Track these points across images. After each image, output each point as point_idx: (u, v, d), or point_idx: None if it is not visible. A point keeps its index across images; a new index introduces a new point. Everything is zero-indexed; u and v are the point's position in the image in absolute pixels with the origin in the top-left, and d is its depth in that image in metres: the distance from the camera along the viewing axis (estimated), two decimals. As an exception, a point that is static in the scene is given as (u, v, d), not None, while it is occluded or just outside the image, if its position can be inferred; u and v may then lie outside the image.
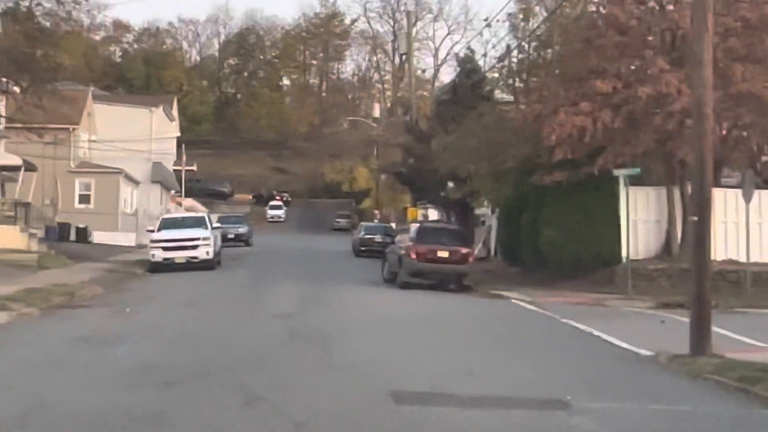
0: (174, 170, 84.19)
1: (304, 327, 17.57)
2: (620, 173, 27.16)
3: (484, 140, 37.53)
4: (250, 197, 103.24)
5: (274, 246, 54.00)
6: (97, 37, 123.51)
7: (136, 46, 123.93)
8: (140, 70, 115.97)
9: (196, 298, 24.28)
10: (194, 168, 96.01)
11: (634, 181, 28.17)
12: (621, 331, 18.17)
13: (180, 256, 33.92)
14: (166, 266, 33.76)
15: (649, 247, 29.81)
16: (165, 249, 33.99)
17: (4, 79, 39.60)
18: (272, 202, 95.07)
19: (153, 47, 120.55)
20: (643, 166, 28.13)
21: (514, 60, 39.18)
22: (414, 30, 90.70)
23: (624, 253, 28.51)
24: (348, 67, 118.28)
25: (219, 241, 38.10)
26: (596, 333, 18.25)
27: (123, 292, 25.94)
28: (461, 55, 48.46)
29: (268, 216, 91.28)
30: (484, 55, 51.64)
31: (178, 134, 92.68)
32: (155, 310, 21.02)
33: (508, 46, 39.21)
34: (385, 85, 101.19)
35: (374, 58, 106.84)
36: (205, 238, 34.38)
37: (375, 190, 76.84)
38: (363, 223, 51.13)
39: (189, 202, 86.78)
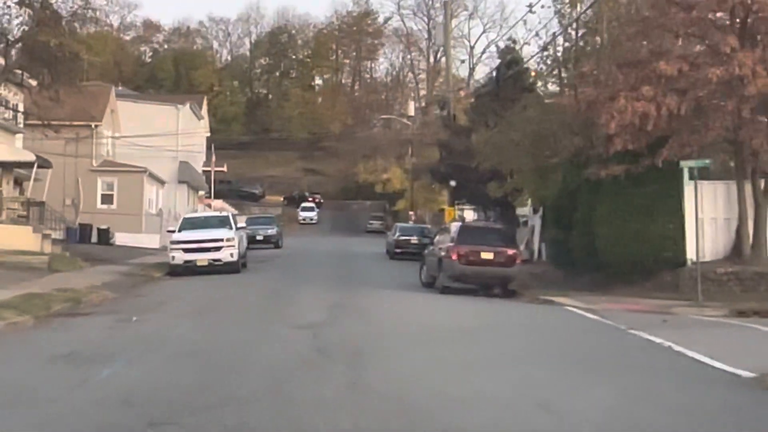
0: (203, 171, 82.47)
1: (333, 341, 14.93)
2: (687, 165, 24.24)
3: (528, 134, 34.97)
4: (282, 199, 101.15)
5: (305, 248, 51.60)
6: (127, 38, 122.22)
7: (166, 46, 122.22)
8: (170, 70, 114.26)
9: (214, 304, 21.77)
10: (224, 169, 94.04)
11: (699, 174, 25.27)
12: (703, 345, 15.37)
13: (202, 258, 31.48)
14: (187, 269, 31.35)
15: (716, 248, 26.85)
16: (186, 251, 31.56)
17: (19, 71, 37.44)
18: (304, 204, 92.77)
19: (183, 47, 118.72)
20: (710, 157, 25.22)
21: (560, 48, 36.34)
22: (451, 23, 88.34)
23: (689, 255, 25.62)
24: (381, 66, 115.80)
25: (245, 242, 35.66)
26: (676, 348, 15.45)
27: (135, 298, 23.50)
28: (501, 46, 45.73)
29: (299, 218, 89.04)
30: (526, 43, 48.74)
31: (208, 134, 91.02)
32: (164, 319, 18.50)
33: (554, 34, 36.41)
34: (420, 84, 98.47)
35: (408, 57, 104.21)
36: (229, 239, 31.92)
37: (410, 191, 74.17)
38: (398, 224, 48.52)
39: (218, 203, 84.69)
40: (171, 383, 10.54)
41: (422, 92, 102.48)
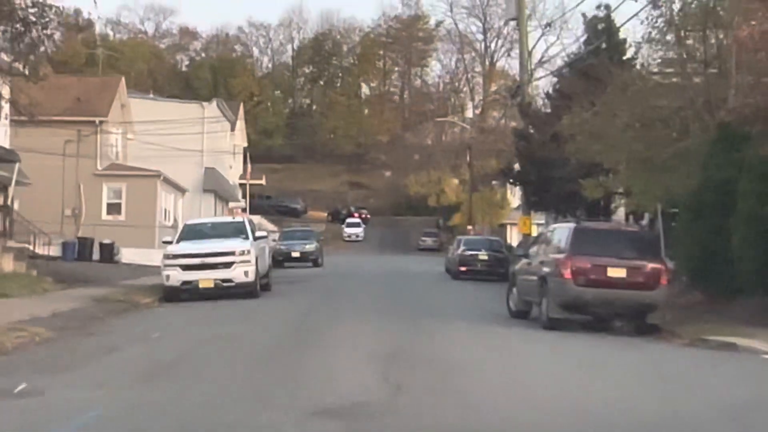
0: (240, 185, 74.93)
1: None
2: None
3: (637, 116, 26.33)
4: (326, 215, 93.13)
5: (349, 267, 43.32)
6: (162, 46, 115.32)
7: (203, 54, 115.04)
8: (207, 78, 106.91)
9: (193, 354, 13.35)
10: (262, 182, 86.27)
11: None
12: None
13: (206, 277, 23.13)
14: (187, 292, 23.05)
15: None
16: (185, 268, 23.19)
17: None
18: (349, 220, 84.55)
19: (221, 54, 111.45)
20: None
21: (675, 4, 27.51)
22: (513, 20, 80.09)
23: None
24: (432, 72, 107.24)
25: (267, 257, 27.28)
26: None
27: (81, 339, 15.18)
28: (589, 16, 36.94)
29: (344, 234, 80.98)
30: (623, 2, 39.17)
31: (245, 144, 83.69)
32: (82, 387, 10.08)
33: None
34: (475, 88, 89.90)
35: (462, 60, 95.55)
36: (243, 252, 23.52)
37: (468, 203, 65.49)
38: (461, 237, 39.95)
39: (256, 219, 76.90)
40: None
41: (477, 98, 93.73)
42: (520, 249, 24.78)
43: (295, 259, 44.23)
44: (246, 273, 23.34)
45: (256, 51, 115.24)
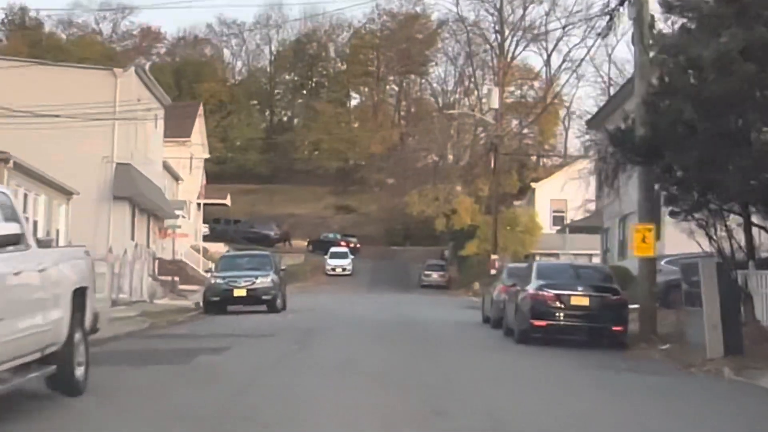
0: (202, 204, 59.45)
1: None
2: None
3: None
4: (306, 243, 76.69)
5: (329, 314, 27.61)
6: (119, 48, 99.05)
7: (168, 59, 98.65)
8: (169, 84, 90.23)
9: None
10: (226, 201, 69.95)
11: None
12: None
13: None
14: None
15: None
16: None
17: None
18: (334, 249, 68.14)
19: (187, 57, 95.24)
20: None
21: None
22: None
23: None
24: (436, 72, 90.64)
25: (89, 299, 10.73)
26: None
27: None
28: None
29: (327, 267, 64.82)
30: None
31: (206, 155, 67.65)
32: None
33: None
34: (485, 82, 73.46)
35: (470, 60, 79.18)
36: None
37: (490, 225, 48.88)
38: (534, 263, 23.14)
39: (216, 248, 60.67)
40: None
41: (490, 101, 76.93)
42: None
43: (240, 300, 27.94)
44: None
45: (228, 53, 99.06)
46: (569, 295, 17.25)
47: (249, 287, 27.74)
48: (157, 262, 39.56)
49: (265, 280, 28.04)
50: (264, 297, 27.83)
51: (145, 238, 38.53)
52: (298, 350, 15.13)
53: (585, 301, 17.21)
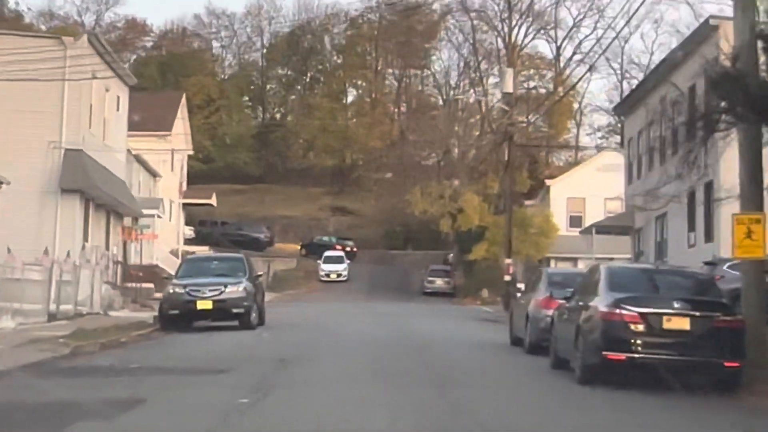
0: (180, 204, 54.20)
1: None
2: None
3: None
4: (299, 247, 71.18)
5: (316, 330, 22.33)
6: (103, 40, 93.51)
7: (155, 53, 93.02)
8: (154, 78, 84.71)
9: None
10: (212, 202, 64.26)
11: None
12: None
13: None
14: None
15: None
16: None
17: None
18: (328, 253, 62.64)
19: (174, 50, 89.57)
20: None
21: None
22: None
23: None
24: (439, 64, 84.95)
25: None
26: None
27: None
28: None
29: (321, 272, 59.39)
30: None
31: (189, 151, 62.37)
32: None
33: None
34: (493, 71, 67.80)
35: (475, 51, 73.43)
36: None
37: (504, 224, 43.24)
38: (602, 267, 16.16)
39: (201, 251, 55.20)
40: None
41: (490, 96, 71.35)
42: None
43: (205, 314, 22.46)
44: None
45: (217, 46, 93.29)
46: (661, 315, 11.61)
47: (216, 298, 22.14)
48: (119, 267, 33.96)
49: (235, 289, 22.40)
50: (234, 310, 22.25)
51: (104, 238, 32.87)
52: (247, 408, 9.55)
53: (685, 324, 11.58)
